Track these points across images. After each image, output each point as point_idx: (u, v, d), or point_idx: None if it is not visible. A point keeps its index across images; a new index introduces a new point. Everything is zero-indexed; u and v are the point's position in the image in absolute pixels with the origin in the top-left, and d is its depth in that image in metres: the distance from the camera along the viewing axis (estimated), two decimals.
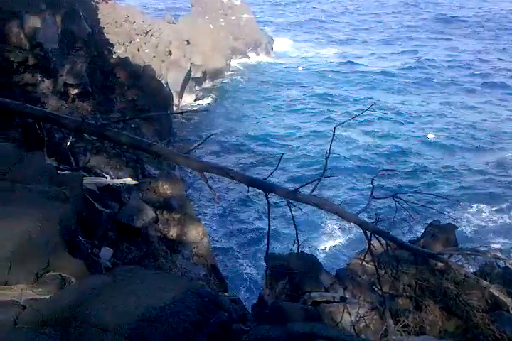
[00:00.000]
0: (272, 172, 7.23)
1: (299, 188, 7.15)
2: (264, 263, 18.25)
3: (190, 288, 2.69)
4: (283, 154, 8.58)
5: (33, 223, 2.98)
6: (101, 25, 30.76)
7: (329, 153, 7.63)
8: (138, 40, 33.87)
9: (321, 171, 7.45)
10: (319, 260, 11.81)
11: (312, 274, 10.30)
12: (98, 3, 33.48)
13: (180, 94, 36.58)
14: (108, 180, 5.84)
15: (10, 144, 4.24)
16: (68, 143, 7.11)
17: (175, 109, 34.71)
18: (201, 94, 39.61)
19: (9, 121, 14.47)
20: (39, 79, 19.45)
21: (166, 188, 16.63)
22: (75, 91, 21.02)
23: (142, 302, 2.54)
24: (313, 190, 7.29)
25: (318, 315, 7.87)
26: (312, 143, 31.42)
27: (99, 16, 31.30)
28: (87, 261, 3.14)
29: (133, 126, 21.77)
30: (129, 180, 6.69)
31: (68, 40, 22.00)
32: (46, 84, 19.60)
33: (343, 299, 9.73)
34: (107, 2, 34.40)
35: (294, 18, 68.41)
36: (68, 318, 2.42)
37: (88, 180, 4.78)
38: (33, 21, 19.18)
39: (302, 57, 50.45)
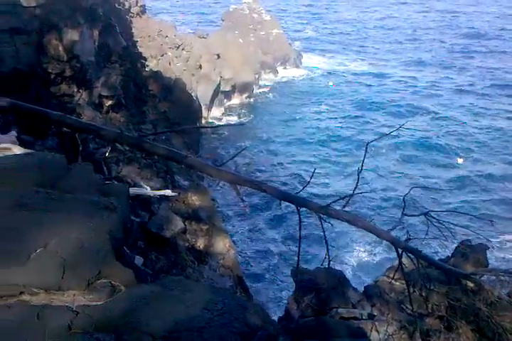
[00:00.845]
0: (304, 187, 7.28)
1: (330, 203, 7.17)
2: (290, 277, 18.18)
3: (236, 300, 2.76)
4: (315, 169, 8.64)
5: (84, 231, 3.12)
6: (135, 39, 31.54)
7: (361, 168, 7.63)
8: (170, 53, 34.57)
9: (353, 187, 7.45)
10: (347, 276, 11.73)
11: (340, 290, 10.23)
12: (133, 17, 34.38)
13: (210, 107, 37.05)
14: (149, 191, 6.00)
15: (59, 155, 4.43)
16: (107, 154, 7.34)
17: (203, 121, 35.15)
18: (230, 107, 39.99)
19: (46, 130, 14.95)
20: (75, 90, 20.02)
21: (194, 199, 16.83)
22: (109, 102, 21.54)
23: (191, 312, 2.63)
24: (344, 206, 7.30)
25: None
26: (344, 158, 31.31)
27: (134, 30, 32.10)
28: (135, 269, 3.25)
29: (163, 137, 22.09)
30: (168, 192, 6.86)
31: (104, 53, 22.64)
32: (82, 96, 20.15)
33: (370, 316, 9.63)
34: (141, 17, 35.30)
35: (323, 32, 68.63)
36: (120, 325, 2.53)
37: (132, 191, 4.93)
38: (72, 34, 19.82)
39: (332, 72, 50.25)
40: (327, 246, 7.61)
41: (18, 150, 5.44)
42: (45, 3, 19.12)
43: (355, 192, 7.81)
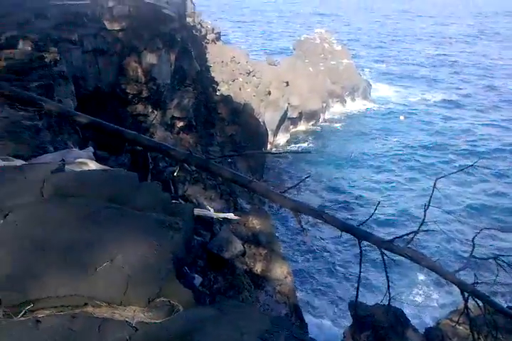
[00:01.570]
0: (367, 219, 7.11)
1: (394, 239, 6.94)
2: (347, 311, 17.59)
3: (294, 333, 2.70)
4: (379, 202, 8.39)
5: (149, 249, 3.18)
6: (209, 64, 32.64)
7: (428, 205, 7.35)
8: (241, 79, 35.45)
9: (418, 223, 7.17)
10: (407, 315, 11.20)
11: (399, 329, 9.78)
12: (208, 43, 35.72)
13: (276, 133, 37.41)
14: (213, 213, 6.09)
15: (132, 173, 4.59)
16: (175, 173, 7.60)
17: (269, 146, 35.49)
18: (295, 133, 40.11)
19: (121, 147, 15.62)
20: (150, 110, 20.94)
21: (255, 223, 16.87)
22: (181, 124, 22.29)
23: (246, 340, 2.59)
24: (408, 243, 7.05)
25: None
26: (410, 193, 30.27)
27: (208, 56, 33.27)
28: (194, 290, 3.27)
29: (229, 160, 22.50)
30: (231, 215, 6.92)
31: (179, 76, 23.61)
32: (156, 116, 21.02)
33: None
34: (215, 43, 36.60)
35: (395, 63, 67.91)
36: None
37: (197, 212, 5.03)
38: (150, 58, 20.87)
39: (403, 103, 49.11)
40: (388, 283, 7.33)
41: (94, 165, 5.70)
42: (128, 27, 20.32)
43: (421, 229, 7.53)
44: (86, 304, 2.90)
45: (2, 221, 3.30)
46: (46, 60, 12.18)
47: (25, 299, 2.80)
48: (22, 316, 2.74)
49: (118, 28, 19.96)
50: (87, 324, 2.66)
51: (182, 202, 15.23)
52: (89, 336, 2.59)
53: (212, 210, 6.30)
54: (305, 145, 38.08)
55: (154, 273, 3.01)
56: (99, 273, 2.94)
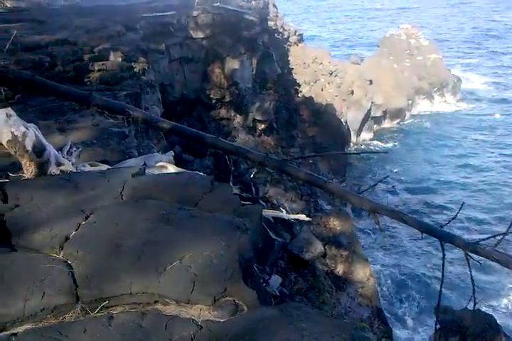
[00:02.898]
0: (450, 221, 6.83)
1: (479, 241, 6.61)
2: (430, 315, 16.86)
3: (357, 336, 2.69)
4: (464, 203, 8.01)
5: (216, 249, 3.32)
6: (291, 66, 32.76)
7: None
8: (323, 80, 35.22)
9: (507, 225, 6.77)
10: (497, 321, 10.54)
11: (488, 336, 9.24)
12: (290, 45, 35.86)
13: (359, 133, 36.71)
14: (284, 214, 6.19)
15: (205, 175, 4.81)
16: (252, 175, 7.82)
17: (352, 146, 34.92)
18: (379, 132, 39.04)
19: (204, 150, 16.22)
20: (232, 114, 21.53)
21: (336, 224, 16.76)
22: (262, 126, 22.65)
23: None
24: (496, 245, 6.67)
25: None
26: (498, 192, 28.39)
27: (290, 58, 33.40)
28: (259, 290, 3.36)
29: (310, 161, 22.49)
30: (303, 216, 6.98)
31: (260, 80, 24.00)
32: (238, 120, 21.57)
33: None
34: (297, 45, 36.64)
35: (487, 56, 63.79)
36: None
37: (267, 213, 5.16)
38: (233, 63, 21.44)
39: (496, 100, 45.87)
40: (473, 287, 7.00)
41: (173, 168, 6.02)
42: (212, 35, 21.02)
43: (510, 231, 7.11)
44: (156, 302, 3.10)
45: (84, 222, 3.62)
46: (135, 69, 12.99)
47: (102, 296, 3.05)
48: (98, 312, 2.99)
49: (202, 36, 20.72)
50: (155, 321, 2.85)
51: (262, 203, 15.49)
52: (156, 333, 2.77)
53: (284, 211, 6.39)
54: (389, 144, 36.94)
55: (220, 273, 3.14)
56: (168, 272, 3.13)
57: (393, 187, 28.74)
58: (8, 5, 19.64)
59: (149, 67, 13.99)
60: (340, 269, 14.44)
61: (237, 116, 21.64)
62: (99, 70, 11.56)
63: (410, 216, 7.39)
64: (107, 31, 14.71)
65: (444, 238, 6.81)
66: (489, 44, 71.10)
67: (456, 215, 7.17)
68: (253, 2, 26.25)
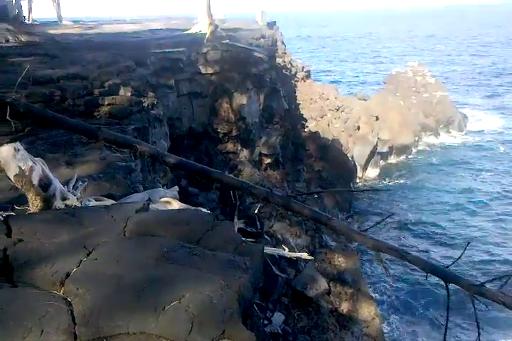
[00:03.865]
0: (454, 261, 6.80)
1: (485, 282, 6.55)
2: None
3: None
4: (468, 243, 7.99)
5: (216, 289, 3.32)
6: (298, 101, 33.27)
7: None
8: (329, 115, 35.67)
9: None
10: None
11: None
12: (297, 81, 36.54)
13: (365, 168, 36.82)
14: (286, 252, 6.18)
15: (208, 213, 4.84)
16: (256, 211, 7.88)
17: (358, 181, 34.95)
18: (385, 168, 39.11)
19: (211, 184, 16.30)
20: (239, 148, 21.72)
21: (341, 261, 16.59)
22: (268, 160, 22.80)
23: None
24: (501, 287, 6.60)
25: None
26: (504, 232, 28.01)
27: (297, 93, 33.96)
28: (258, 332, 3.33)
29: (316, 196, 22.48)
30: (305, 255, 6.95)
31: (267, 114, 24.35)
32: (244, 153, 21.73)
33: None
34: (305, 81, 37.33)
35: (494, 93, 64.39)
36: None
37: (268, 251, 5.16)
38: (240, 98, 21.81)
39: (502, 135, 45.95)
40: (478, 330, 6.89)
41: (177, 204, 6.06)
42: (221, 70, 21.49)
43: None
44: None
45: (86, 258, 3.64)
46: (144, 104, 13.23)
47: (100, 335, 3.03)
48: None
49: (211, 72, 21.19)
50: None
51: (267, 237, 15.43)
52: None
53: (286, 249, 6.37)
54: (395, 179, 36.90)
55: (218, 314, 3.12)
56: (167, 311, 3.12)
57: (398, 224, 28.51)
58: (23, 39, 20.24)
59: (158, 102, 14.25)
60: (344, 307, 14.21)
61: (244, 150, 21.83)
62: (108, 104, 11.79)
63: (414, 255, 7.35)
64: (117, 66, 15.05)
65: (449, 279, 6.74)
66: (496, 82, 72.10)
67: (461, 255, 7.12)
68: (262, 40, 26.96)
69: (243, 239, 5.09)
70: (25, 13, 38.23)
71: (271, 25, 34.98)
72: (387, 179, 36.97)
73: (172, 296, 3.23)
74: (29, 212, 4.95)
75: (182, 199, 7.31)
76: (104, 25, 31.58)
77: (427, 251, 25.11)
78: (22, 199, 5.35)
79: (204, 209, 5.83)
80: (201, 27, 24.25)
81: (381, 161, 39.29)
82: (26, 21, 36.35)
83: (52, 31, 26.04)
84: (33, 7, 39.49)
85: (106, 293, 3.26)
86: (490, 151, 42.17)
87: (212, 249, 4.01)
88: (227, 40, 22.47)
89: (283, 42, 36.50)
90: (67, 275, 3.50)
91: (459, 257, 7.01)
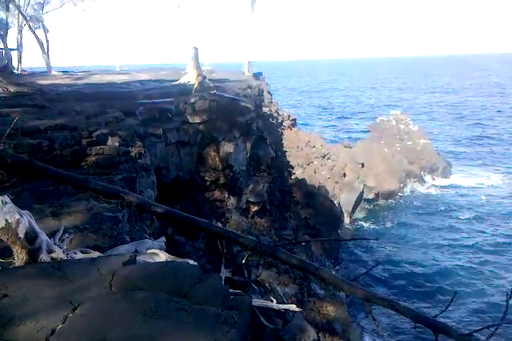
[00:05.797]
0: (442, 311, 6.80)
1: (473, 332, 6.53)
2: None
3: None
4: (456, 292, 8.00)
5: None
6: (284, 149, 33.79)
7: (511, 294, 6.92)
8: (315, 162, 36.16)
9: (501, 315, 6.73)
10: None
11: None
12: (284, 129, 37.29)
13: (351, 214, 36.98)
14: (274, 304, 6.11)
15: (195, 265, 4.85)
16: (243, 261, 7.84)
17: (344, 227, 34.94)
18: (372, 214, 39.26)
19: (198, 233, 16.21)
20: (226, 196, 21.77)
21: (330, 310, 16.34)
22: (255, 208, 22.83)
23: None
24: (490, 336, 6.58)
25: None
26: (490, 275, 27.94)
27: (284, 141, 34.55)
28: None
29: (303, 244, 22.39)
30: (293, 307, 6.87)
31: (254, 162, 24.62)
32: (231, 201, 21.77)
33: None
34: (291, 129, 38.13)
35: (479, 142, 65.75)
36: None
37: (256, 303, 5.12)
38: (227, 147, 22.12)
39: (485, 184, 46.63)
40: None
41: (163, 255, 6.03)
42: (208, 120, 21.91)
43: (504, 321, 7.03)
44: None
45: (72, 314, 3.60)
46: (132, 153, 13.36)
47: None
48: None
49: (199, 121, 21.59)
50: None
51: (255, 286, 15.20)
52: None
53: (275, 301, 6.31)
54: (382, 225, 36.94)
55: None
56: None
57: (385, 271, 28.29)
58: (12, 90, 20.51)
59: (146, 151, 14.40)
60: None
61: (231, 197, 21.89)
62: (96, 154, 11.87)
63: (403, 305, 7.32)
64: (106, 117, 15.30)
65: (438, 328, 6.70)
66: (480, 129, 74.03)
67: (448, 305, 7.12)
68: (248, 90, 27.73)
69: (230, 290, 5.08)
70: (14, 63, 39.11)
71: (257, 75, 36.11)
72: (373, 224, 37.05)
73: None
74: (14, 265, 4.91)
75: (169, 247, 7.29)
76: (93, 76, 32.26)
77: (415, 299, 24.81)
78: (6, 251, 5.32)
79: (191, 261, 5.82)
80: (189, 78, 24.93)
81: (367, 207, 39.57)
82: (15, 71, 37.10)
83: (41, 81, 26.49)
84: (23, 57, 40.50)
85: None
86: (473, 198, 42.67)
87: (200, 303, 3.99)
88: (215, 91, 23.07)
89: (269, 92, 37.55)
90: (53, 331, 3.45)
91: (447, 307, 7.01)
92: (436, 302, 24.59)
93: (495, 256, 30.79)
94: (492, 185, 46.43)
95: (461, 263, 30.04)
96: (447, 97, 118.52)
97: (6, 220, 4.73)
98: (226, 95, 23.26)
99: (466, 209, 40.01)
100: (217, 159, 21.76)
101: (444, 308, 6.88)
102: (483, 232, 34.94)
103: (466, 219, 37.72)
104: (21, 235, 4.83)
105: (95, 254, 5.47)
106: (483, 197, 42.69)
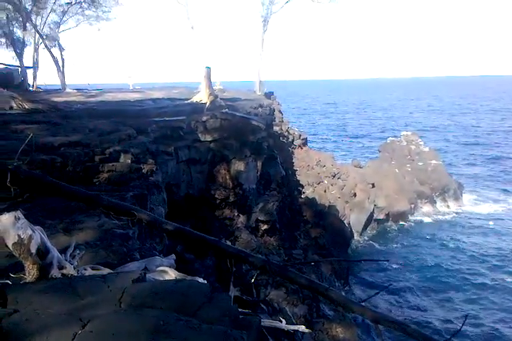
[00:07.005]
0: (454, 334, 6.74)
1: None
2: None
3: None
4: (467, 315, 7.86)
5: None
6: (295, 168, 33.83)
7: None
8: (326, 182, 36.08)
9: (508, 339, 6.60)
10: None
11: None
12: (294, 148, 37.39)
13: (361, 234, 36.68)
14: (283, 325, 6.06)
15: (204, 284, 4.84)
16: (253, 280, 7.79)
17: (354, 247, 34.60)
18: (383, 235, 38.84)
19: (207, 251, 16.19)
20: (236, 214, 21.77)
21: (339, 331, 16.11)
22: (265, 227, 22.76)
23: None
24: None
25: None
26: (503, 304, 27.23)
27: (294, 160, 34.62)
28: None
29: (312, 263, 22.20)
30: (302, 328, 6.80)
31: (264, 181, 24.65)
32: (241, 219, 21.75)
33: None
34: (302, 148, 38.21)
35: (492, 164, 65.08)
36: None
37: (265, 323, 5.08)
38: (238, 165, 22.22)
39: (498, 209, 45.78)
40: None
41: (173, 273, 6.03)
42: (219, 138, 22.08)
43: None
44: None
45: (81, 331, 3.61)
46: (143, 170, 13.48)
47: None
48: None
49: (210, 139, 21.77)
50: None
51: (263, 306, 15.05)
52: None
53: (284, 322, 6.25)
54: (392, 246, 36.48)
55: None
56: None
57: (396, 293, 27.83)
58: (27, 106, 20.88)
59: (157, 168, 14.52)
60: None
61: (241, 216, 21.87)
62: (108, 171, 12.00)
63: (414, 328, 7.20)
64: (119, 134, 15.48)
65: None
66: (490, 152, 73.37)
67: (460, 328, 7.04)
68: (260, 109, 27.97)
69: (240, 309, 5.05)
70: (29, 80, 39.87)
71: (268, 95, 36.45)
72: (383, 245, 36.62)
73: None
74: (25, 280, 4.94)
75: (178, 265, 7.28)
76: (106, 94, 32.74)
77: (426, 323, 24.34)
78: (18, 267, 5.35)
79: (200, 279, 5.80)
80: (201, 96, 25.25)
81: (378, 228, 39.23)
82: (31, 88, 37.80)
83: (55, 99, 26.95)
84: (38, 75, 41.31)
85: None
86: (485, 222, 41.92)
87: (209, 322, 3.98)
88: (227, 109, 23.30)
89: (280, 111, 37.81)
90: None
91: (459, 330, 6.93)
92: (448, 325, 24.10)
93: (505, 281, 30.21)
94: (505, 208, 45.83)
95: (472, 288, 29.49)
96: (458, 118, 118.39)
97: (19, 236, 4.78)
98: (237, 114, 23.47)
99: (477, 233, 39.40)
100: (227, 177, 21.84)
101: (455, 331, 6.78)
102: (494, 256, 34.38)
103: (477, 243, 37.13)
104: (33, 251, 4.86)
105: (105, 271, 5.48)
106: (496, 221, 42.05)
